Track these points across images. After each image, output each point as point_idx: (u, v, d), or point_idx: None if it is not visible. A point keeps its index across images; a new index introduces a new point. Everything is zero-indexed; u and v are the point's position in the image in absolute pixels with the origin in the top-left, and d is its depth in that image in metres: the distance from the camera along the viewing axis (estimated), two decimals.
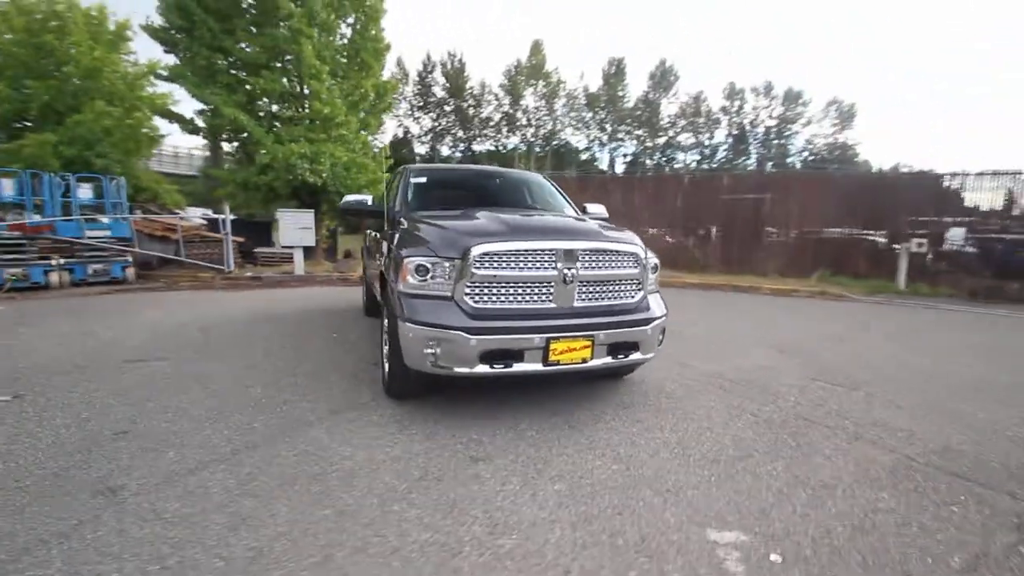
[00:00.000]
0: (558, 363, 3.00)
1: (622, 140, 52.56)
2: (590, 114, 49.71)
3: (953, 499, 2.36)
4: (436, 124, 48.11)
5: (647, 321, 3.25)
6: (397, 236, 3.71)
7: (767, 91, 54.39)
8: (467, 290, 2.95)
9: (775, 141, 55.35)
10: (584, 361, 3.05)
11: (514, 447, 2.80)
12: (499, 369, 2.93)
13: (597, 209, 4.83)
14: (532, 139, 48.88)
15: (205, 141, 15.54)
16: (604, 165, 51.80)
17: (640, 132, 52.67)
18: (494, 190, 4.61)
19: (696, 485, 2.44)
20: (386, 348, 3.62)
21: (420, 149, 48.48)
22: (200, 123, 12.99)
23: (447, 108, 48.36)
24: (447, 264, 2.96)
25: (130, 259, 9.57)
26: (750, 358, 4.79)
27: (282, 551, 1.88)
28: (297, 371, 4.04)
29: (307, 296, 8.39)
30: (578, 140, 50.44)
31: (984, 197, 11.27)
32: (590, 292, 3.15)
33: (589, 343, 3.04)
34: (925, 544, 2.01)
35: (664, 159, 52.48)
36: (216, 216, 11.11)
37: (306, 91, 12.42)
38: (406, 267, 3.05)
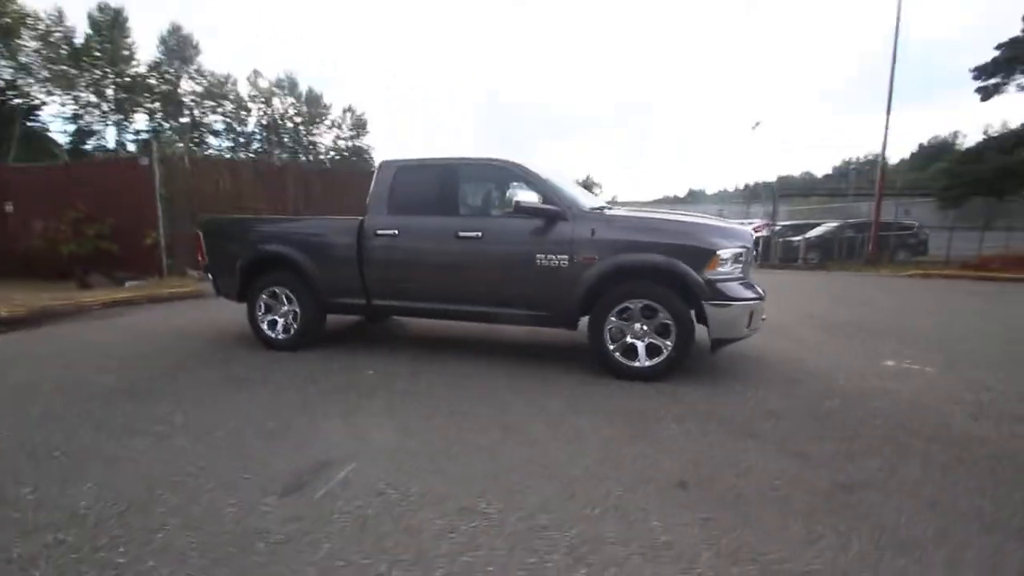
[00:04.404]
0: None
1: (131, 113, 41.87)
2: (77, 71, 36.62)
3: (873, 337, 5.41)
4: None
5: None
6: (601, 232, 3.68)
7: (292, 88, 56.04)
8: (744, 269, 3.76)
9: (306, 138, 58.15)
10: None
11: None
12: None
13: None
14: None
15: None
16: (110, 142, 40.02)
17: (155, 106, 43.52)
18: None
19: (838, 352, 4.44)
20: (618, 341, 3.63)
21: None
22: None
23: None
24: (748, 251, 3.65)
25: None
26: None
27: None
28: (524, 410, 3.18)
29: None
30: (64, 104, 36.43)
31: None
32: None
33: None
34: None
35: (194, 142, 45.56)
36: None
37: None
38: (719, 257, 3.48)
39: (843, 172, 72.58)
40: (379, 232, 4.16)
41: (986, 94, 14.07)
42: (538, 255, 3.76)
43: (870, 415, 3.02)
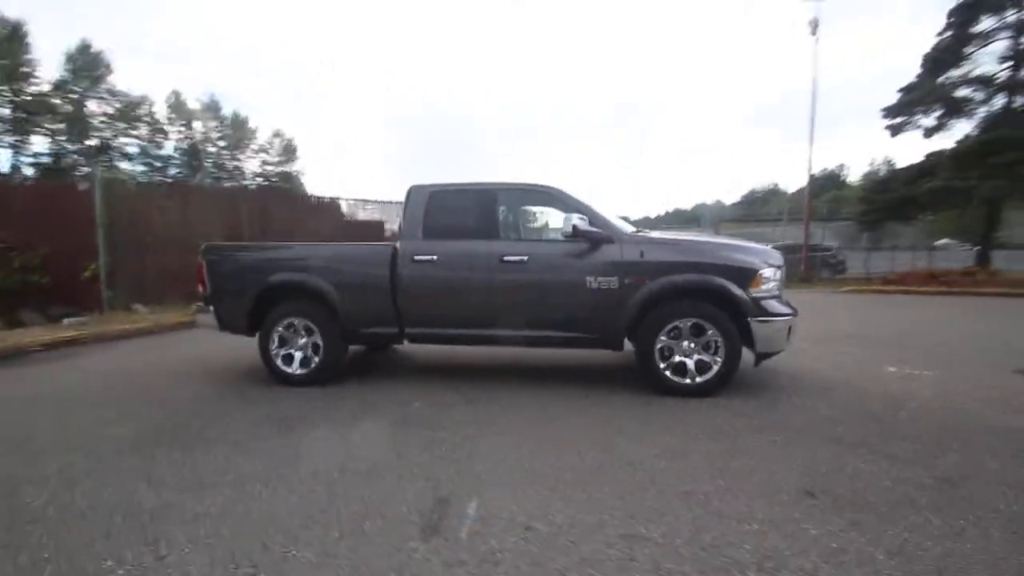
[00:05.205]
0: None
1: (28, 134, 37.80)
2: None
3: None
4: None
5: None
6: (649, 255, 3.79)
7: (215, 110, 53.29)
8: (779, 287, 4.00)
9: (230, 163, 55.21)
10: None
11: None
12: None
13: None
14: None
15: None
16: (4, 165, 35.83)
17: (57, 127, 39.57)
18: None
19: (841, 361, 4.79)
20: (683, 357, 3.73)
21: None
22: None
23: None
24: (781, 270, 3.90)
25: None
26: None
27: None
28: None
29: None
30: None
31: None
32: None
33: None
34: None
35: (104, 165, 41.68)
36: None
37: None
38: (762, 276, 3.70)
39: (750, 200, 79.67)
40: (417, 258, 4.02)
41: (894, 131, 16.31)
42: (588, 278, 3.80)
43: (920, 416, 3.29)
